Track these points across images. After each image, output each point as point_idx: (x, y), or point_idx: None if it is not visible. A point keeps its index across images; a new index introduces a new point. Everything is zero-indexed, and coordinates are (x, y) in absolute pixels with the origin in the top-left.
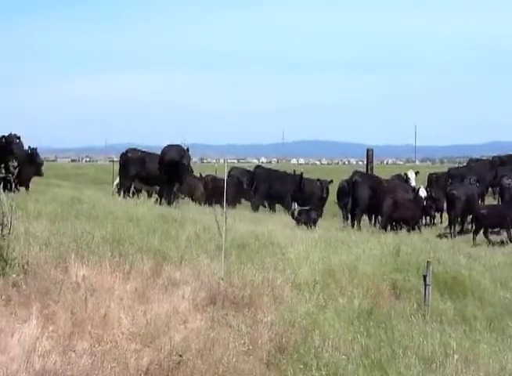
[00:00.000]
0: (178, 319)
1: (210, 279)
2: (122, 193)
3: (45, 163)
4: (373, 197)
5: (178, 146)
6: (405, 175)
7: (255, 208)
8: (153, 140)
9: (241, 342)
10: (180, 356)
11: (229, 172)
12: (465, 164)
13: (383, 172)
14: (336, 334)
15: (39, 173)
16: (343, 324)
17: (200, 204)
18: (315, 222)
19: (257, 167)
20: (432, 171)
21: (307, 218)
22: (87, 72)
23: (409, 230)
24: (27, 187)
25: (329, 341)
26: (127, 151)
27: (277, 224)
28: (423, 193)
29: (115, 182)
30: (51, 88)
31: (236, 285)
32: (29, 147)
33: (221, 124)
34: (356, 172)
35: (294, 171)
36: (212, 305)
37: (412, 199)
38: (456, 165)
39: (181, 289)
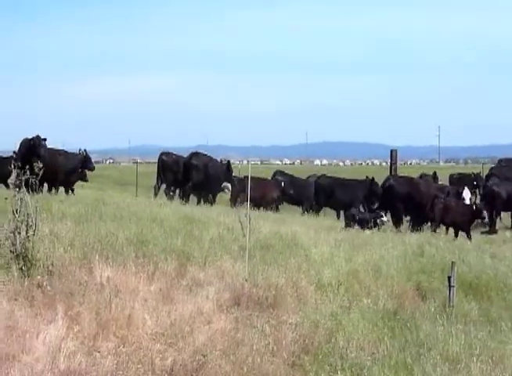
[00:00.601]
0: (202, 319)
1: (234, 280)
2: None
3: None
4: (409, 200)
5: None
6: (434, 174)
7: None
8: (177, 141)
9: (265, 343)
10: (204, 356)
11: (273, 176)
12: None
13: (406, 173)
14: (360, 334)
15: (85, 178)
16: (367, 325)
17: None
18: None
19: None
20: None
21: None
22: (101, 74)
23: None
24: (72, 191)
25: (354, 341)
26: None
27: (301, 225)
28: (467, 195)
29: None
30: (65, 90)
31: (260, 286)
32: (79, 150)
33: (244, 126)
34: (391, 176)
35: (367, 177)
36: (236, 306)
37: (464, 203)
38: (481, 166)
39: (205, 290)
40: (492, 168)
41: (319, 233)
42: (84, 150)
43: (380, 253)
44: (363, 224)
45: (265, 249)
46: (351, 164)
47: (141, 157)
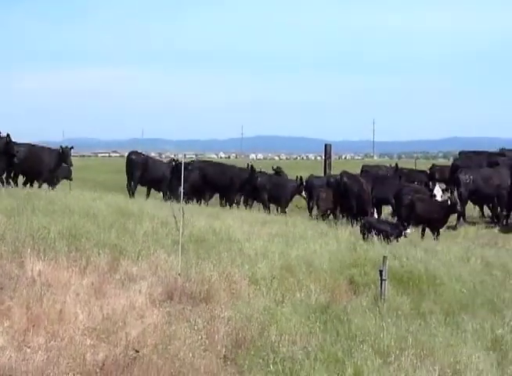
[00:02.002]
0: (134, 314)
1: (168, 274)
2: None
3: None
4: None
5: None
6: (396, 166)
7: None
8: (112, 134)
9: (198, 337)
10: (136, 351)
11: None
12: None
13: (341, 167)
14: (293, 328)
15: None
16: (300, 319)
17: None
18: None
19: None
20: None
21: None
22: (37, 68)
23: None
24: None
25: (286, 335)
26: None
27: (235, 219)
28: (438, 191)
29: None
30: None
31: (194, 280)
32: (61, 147)
33: (181, 119)
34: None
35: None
36: (169, 301)
37: (435, 199)
38: (413, 161)
39: (138, 284)
40: (455, 160)
41: (253, 227)
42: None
43: (313, 247)
44: (384, 235)
45: (199, 243)
46: (287, 158)
47: (74, 150)
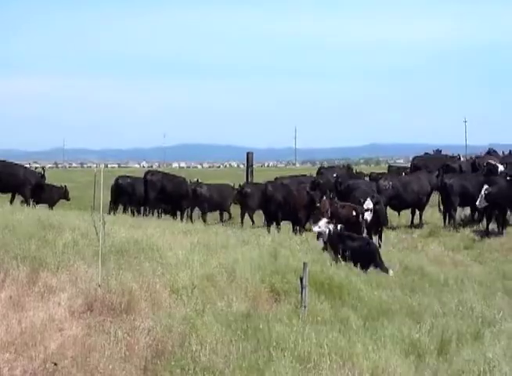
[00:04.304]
0: (53, 326)
1: (88, 285)
2: None
3: None
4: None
5: None
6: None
7: None
8: (34, 145)
9: (118, 349)
10: (55, 364)
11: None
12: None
13: (264, 175)
14: (213, 337)
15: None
16: (220, 328)
17: None
18: None
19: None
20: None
21: None
22: None
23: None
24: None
25: (207, 345)
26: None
27: (157, 228)
28: (369, 205)
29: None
30: None
31: (114, 291)
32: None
33: (102, 129)
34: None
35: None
36: (89, 312)
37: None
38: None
39: (57, 296)
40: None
41: (176, 236)
42: None
43: (235, 256)
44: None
45: (120, 254)
46: (209, 167)
47: None
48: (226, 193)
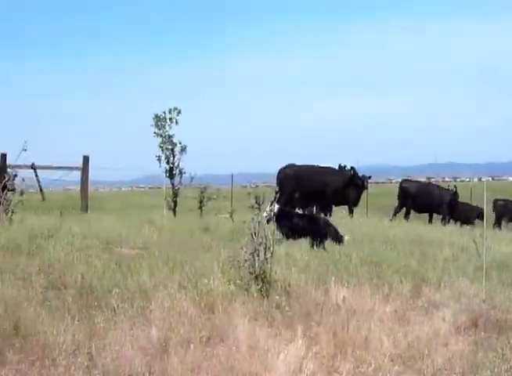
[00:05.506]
0: (439, 341)
1: (471, 301)
2: None
3: None
4: None
5: None
6: None
7: None
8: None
9: (507, 367)
10: None
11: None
12: None
13: None
14: None
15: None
16: None
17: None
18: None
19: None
20: None
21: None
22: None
23: None
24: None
25: None
26: None
27: None
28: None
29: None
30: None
31: (499, 307)
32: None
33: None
34: None
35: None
36: (474, 328)
37: None
38: None
39: (441, 311)
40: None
41: None
42: None
43: None
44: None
45: (502, 269)
46: None
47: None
48: None
